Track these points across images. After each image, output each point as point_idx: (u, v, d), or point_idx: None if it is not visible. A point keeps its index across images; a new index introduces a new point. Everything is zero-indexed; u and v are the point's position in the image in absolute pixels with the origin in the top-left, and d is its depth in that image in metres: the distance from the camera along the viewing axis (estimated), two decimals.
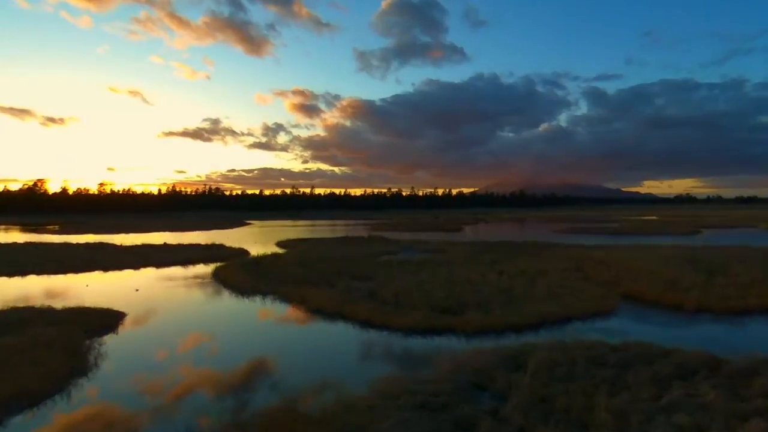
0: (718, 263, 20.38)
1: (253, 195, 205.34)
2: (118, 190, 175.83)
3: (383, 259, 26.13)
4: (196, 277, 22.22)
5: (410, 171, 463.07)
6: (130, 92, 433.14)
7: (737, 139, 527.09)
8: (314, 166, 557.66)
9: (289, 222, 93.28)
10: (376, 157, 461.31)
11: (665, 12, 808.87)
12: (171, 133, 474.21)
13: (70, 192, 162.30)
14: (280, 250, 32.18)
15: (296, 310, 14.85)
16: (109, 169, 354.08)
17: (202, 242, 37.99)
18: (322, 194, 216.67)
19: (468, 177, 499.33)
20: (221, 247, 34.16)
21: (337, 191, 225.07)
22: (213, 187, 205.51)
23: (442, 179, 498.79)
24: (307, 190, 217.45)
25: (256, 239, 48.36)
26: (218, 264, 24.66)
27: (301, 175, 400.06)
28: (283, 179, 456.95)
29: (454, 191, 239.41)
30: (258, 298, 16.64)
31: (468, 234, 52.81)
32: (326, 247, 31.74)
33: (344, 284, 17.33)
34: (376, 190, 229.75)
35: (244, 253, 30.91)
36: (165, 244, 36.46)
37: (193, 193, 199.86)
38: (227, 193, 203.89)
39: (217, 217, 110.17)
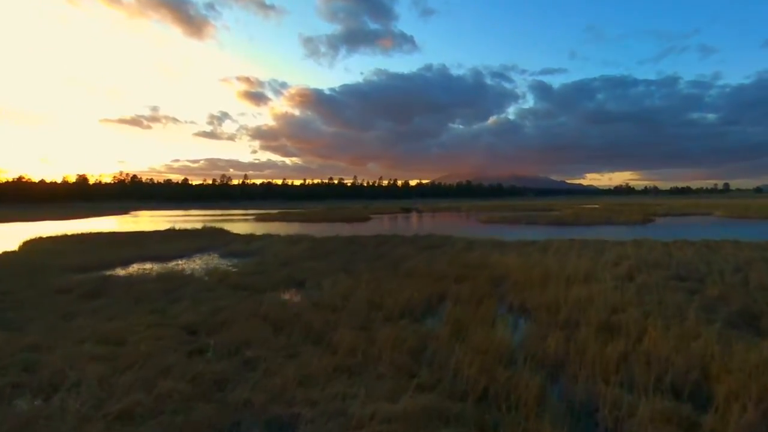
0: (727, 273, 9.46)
1: (177, 184, 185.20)
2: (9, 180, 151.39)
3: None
4: None
5: (363, 162, 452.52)
6: (58, 75, 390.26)
7: (670, 134, 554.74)
8: (264, 156, 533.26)
9: (194, 212, 77.85)
10: (327, 148, 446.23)
11: (606, 8, 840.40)
12: (107, 120, 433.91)
13: None
14: None
15: None
16: (42, 159, 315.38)
17: None
18: (257, 183, 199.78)
19: (420, 169, 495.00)
20: None
21: (281, 181, 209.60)
22: (130, 175, 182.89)
23: (395, 171, 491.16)
24: (239, 181, 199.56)
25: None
26: None
27: (251, 165, 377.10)
28: (231, 170, 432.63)
29: (400, 182, 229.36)
30: None
31: (363, 227, 41.07)
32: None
33: None
34: (317, 181, 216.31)
35: None
36: None
37: (109, 183, 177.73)
38: (145, 180, 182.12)
39: (120, 208, 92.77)
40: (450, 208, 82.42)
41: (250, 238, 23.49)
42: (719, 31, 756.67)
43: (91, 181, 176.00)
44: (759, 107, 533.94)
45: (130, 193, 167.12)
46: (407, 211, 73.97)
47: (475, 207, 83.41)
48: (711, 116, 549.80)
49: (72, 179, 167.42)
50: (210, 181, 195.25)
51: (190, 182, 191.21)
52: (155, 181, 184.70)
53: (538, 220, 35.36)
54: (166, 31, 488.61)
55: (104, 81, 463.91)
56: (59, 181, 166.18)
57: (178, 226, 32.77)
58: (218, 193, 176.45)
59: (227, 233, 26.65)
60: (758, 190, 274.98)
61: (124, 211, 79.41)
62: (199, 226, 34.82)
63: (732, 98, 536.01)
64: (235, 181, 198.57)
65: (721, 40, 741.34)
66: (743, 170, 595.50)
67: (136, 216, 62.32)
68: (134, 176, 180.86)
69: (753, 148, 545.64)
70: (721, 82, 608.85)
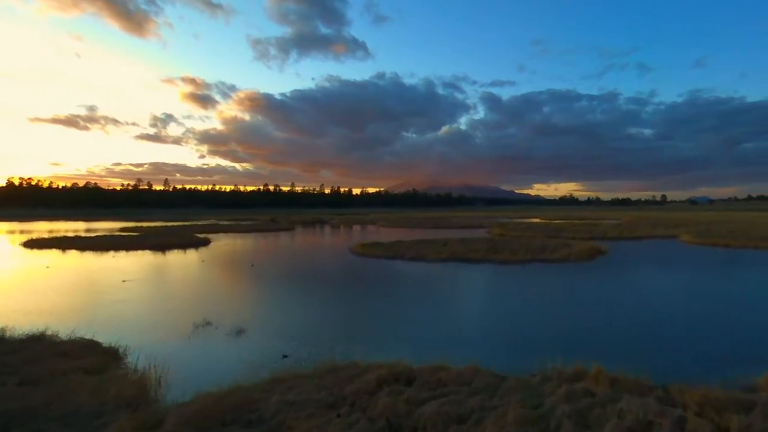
0: None
1: (82, 190, 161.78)
2: None
3: None
4: None
5: (316, 169, 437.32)
6: None
7: (611, 148, 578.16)
8: (213, 161, 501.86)
9: (42, 224, 60.36)
10: (279, 154, 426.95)
11: (553, 23, 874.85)
12: (38, 119, 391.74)
13: None
14: None
15: None
16: None
17: None
18: (177, 189, 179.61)
19: (374, 177, 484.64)
20: None
21: (210, 187, 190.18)
22: (25, 179, 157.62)
23: (349, 178, 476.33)
24: (161, 186, 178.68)
25: None
26: None
27: (199, 170, 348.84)
28: (178, 175, 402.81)
29: (343, 190, 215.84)
30: None
31: (176, 259, 27.39)
32: None
33: None
34: (251, 188, 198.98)
35: None
36: None
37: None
38: (46, 185, 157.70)
39: None
40: (366, 221, 69.37)
41: None
42: (655, 50, 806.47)
43: None
44: (689, 124, 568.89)
45: (22, 198, 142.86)
46: (328, 224, 60.52)
47: (394, 218, 70.92)
48: (647, 131, 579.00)
49: None
50: (129, 187, 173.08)
51: (101, 187, 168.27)
52: (54, 186, 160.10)
53: (432, 255, 22.43)
54: (102, 25, 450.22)
55: (34, 77, 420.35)
56: None
57: None
58: (130, 200, 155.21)
59: None
60: (692, 202, 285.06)
61: None
62: None
63: (666, 115, 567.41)
64: (157, 187, 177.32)
65: (657, 59, 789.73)
66: (677, 182, 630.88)
67: None
68: (28, 180, 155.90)
69: (684, 162, 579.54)
70: (656, 99, 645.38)
